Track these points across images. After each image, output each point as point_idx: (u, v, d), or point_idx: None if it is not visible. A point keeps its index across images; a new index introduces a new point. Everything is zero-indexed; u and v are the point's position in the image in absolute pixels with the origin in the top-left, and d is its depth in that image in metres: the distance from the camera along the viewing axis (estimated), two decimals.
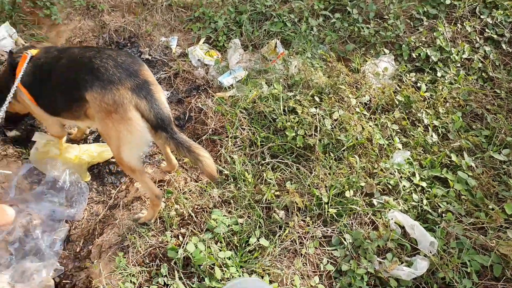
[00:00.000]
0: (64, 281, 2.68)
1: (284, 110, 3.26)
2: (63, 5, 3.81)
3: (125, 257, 2.47)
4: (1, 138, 3.12)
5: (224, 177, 2.98)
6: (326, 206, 2.70)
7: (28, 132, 3.23)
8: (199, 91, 3.72)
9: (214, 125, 3.30)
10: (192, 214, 2.68)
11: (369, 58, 3.85)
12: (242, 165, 3.00)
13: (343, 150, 3.02)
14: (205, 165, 2.26)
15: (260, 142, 3.11)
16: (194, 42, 3.94)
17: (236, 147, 3.15)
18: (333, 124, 3.14)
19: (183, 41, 3.99)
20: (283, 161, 2.98)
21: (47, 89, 2.46)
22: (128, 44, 3.87)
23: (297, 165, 2.97)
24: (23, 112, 2.97)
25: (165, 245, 2.53)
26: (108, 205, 2.98)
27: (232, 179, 2.95)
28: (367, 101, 3.45)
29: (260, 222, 2.64)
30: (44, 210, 2.86)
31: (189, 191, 2.91)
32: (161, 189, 2.90)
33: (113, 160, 3.20)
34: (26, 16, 3.81)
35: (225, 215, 2.69)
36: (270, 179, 2.89)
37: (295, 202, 2.67)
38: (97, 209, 3.01)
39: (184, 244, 2.49)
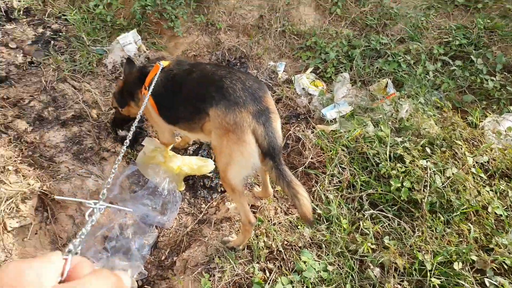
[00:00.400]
0: (145, 286, 2.73)
1: (389, 156, 3.06)
2: (185, 20, 4.04)
3: (210, 280, 2.44)
4: (113, 136, 3.34)
5: (316, 216, 2.85)
6: (429, 274, 2.43)
7: (136, 134, 3.42)
8: (299, 119, 3.66)
9: (312, 158, 3.20)
10: (281, 250, 2.58)
11: (490, 114, 3.49)
12: (338, 207, 2.85)
13: (454, 214, 2.71)
14: (302, 205, 2.18)
15: (360, 186, 2.94)
16: (302, 70, 3.91)
17: (332, 186, 3.02)
18: (444, 182, 2.86)
19: (290, 67, 3.99)
20: (383, 213, 2.77)
21: (174, 99, 2.57)
22: (238, 64, 3.96)
23: (399, 219, 2.74)
24: (133, 116, 3.16)
25: (251, 276, 2.45)
26: (198, 219, 3.01)
27: (325, 221, 2.82)
28: (485, 162, 3.10)
29: (352, 275, 2.45)
30: (139, 212, 2.98)
31: (279, 223, 2.83)
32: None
33: (209, 174, 3.26)
34: (151, 26, 4.11)
35: (315, 259, 2.55)
36: (367, 229, 2.70)
37: (394, 262, 2.44)
38: (186, 221, 3.06)
39: (270, 280, 2.40)
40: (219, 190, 3.21)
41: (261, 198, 3.01)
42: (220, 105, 2.20)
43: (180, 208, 3.13)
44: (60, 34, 4.23)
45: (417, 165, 2.93)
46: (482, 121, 3.44)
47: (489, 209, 2.74)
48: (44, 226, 2.60)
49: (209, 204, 3.13)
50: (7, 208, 2.36)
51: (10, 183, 2.47)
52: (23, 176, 2.59)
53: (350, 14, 4.03)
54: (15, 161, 2.71)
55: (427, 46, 3.90)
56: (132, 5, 4.16)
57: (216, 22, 4.01)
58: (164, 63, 2.66)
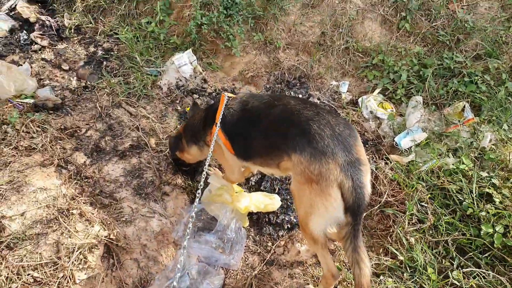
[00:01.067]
0: None
1: (475, 193, 2.75)
2: (243, 38, 3.83)
3: None
4: (173, 168, 3.20)
5: (398, 263, 2.61)
6: None
7: (196, 163, 3.25)
8: (367, 146, 3.40)
9: (387, 195, 2.94)
10: None
11: None
12: (421, 252, 2.59)
13: None
14: (363, 275, 2.00)
15: (444, 228, 2.66)
16: (369, 91, 3.63)
17: (411, 227, 2.76)
18: None
19: (354, 87, 3.72)
20: (473, 261, 2.49)
21: (251, 131, 2.38)
22: (298, 84, 3.73)
23: (492, 271, 2.45)
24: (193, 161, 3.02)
25: None
26: (266, 260, 2.83)
27: (407, 268, 2.57)
28: None
29: None
30: (204, 253, 2.82)
31: None
32: None
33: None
34: (206, 45, 3.92)
35: None
36: (458, 280, 2.43)
37: None
38: (253, 261, 2.88)
39: None
40: (286, 227, 3.00)
41: (334, 240, 2.79)
42: (304, 153, 1.99)
43: (245, 246, 2.95)
44: (112, 53, 4.12)
45: (510, 206, 2.63)
46: None
47: None
48: (110, 273, 2.47)
49: (276, 243, 2.94)
50: (76, 260, 2.25)
51: (77, 232, 2.35)
52: (88, 221, 2.47)
53: (420, 29, 3.69)
54: (78, 203, 2.60)
55: (508, 63, 3.52)
56: (186, 22, 3.99)
57: (275, 40, 3.77)
58: (229, 94, 2.52)
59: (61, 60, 4.05)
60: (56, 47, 4.20)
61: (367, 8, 3.76)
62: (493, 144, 3.06)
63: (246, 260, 2.89)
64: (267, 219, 3.04)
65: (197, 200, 2.09)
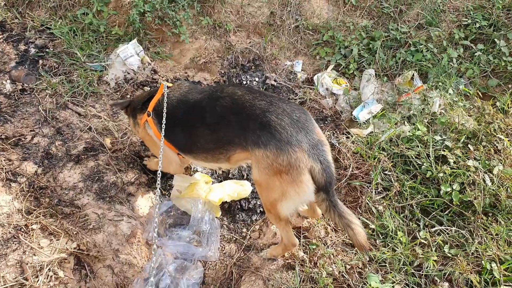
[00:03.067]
0: None
1: (430, 156, 2.93)
2: (190, 24, 3.67)
3: None
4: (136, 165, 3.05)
5: (369, 231, 2.73)
6: (498, 283, 2.37)
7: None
8: (326, 122, 3.47)
9: (352, 168, 3.03)
10: (347, 277, 2.45)
11: None
12: (390, 218, 2.73)
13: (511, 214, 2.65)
14: (356, 234, 2.09)
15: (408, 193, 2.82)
16: (323, 68, 3.67)
17: (379, 196, 2.88)
18: (492, 180, 2.78)
19: (308, 66, 3.74)
20: (436, 219, 2.67)
21: (193, 127, 2.33)
22: (253, 67, 3.68)
23: (455, 227, 2.65)
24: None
25: None
26: (243, 246, 2.82)
27: (380, 235, 2.69)
28: None
29: None
30: (179, 248, 2.75)
31: (333, 244, 2.69)
32: (298, 237, 2.71)
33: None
34: (152, 34, 3.72)
35: (381, 280, 2.43)
36: (425, 239, 2.60)
37: (467, 277, 2.36)
38: (230, 249, 2.85)
39: None
40: (258, 211, 3.01)
41: (307, 217, 2.85)
42: (269, 146, 1.98)
43: (220, 236, 2.92)
44: (47, 50, 3.76)
45: (463, 166, 2.83)
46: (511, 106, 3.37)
47: None
48: (84, 285, 2.33)
49: (251, 228, 2.94)
50: (45, 278, 2.08)
51: (42, 248, 2.17)
52: (52, 235, 2.29)
53: (365, 2, 3.78)
54: (37, 216, 2.39)
55: (446, 30, 3.73)
56: (126, 11, 3.73)
57: (224, 24, 3.66)
58: (169, 84, 2.45)
59: None
60: None
61: None
62: (442, 109, 3.26)
63: (223, 249, 2.86)
64: (239, 206, 3.02)
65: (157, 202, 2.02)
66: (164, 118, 2.20)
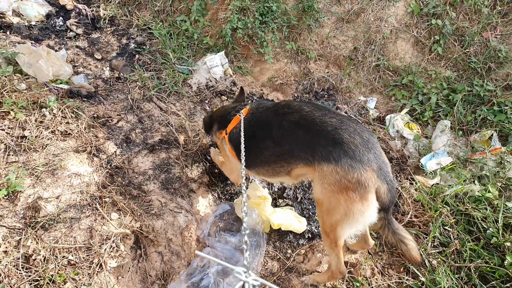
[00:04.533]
0: None
1: (499, 222, 2.78)
2: (275, 46, 3.87)
3: None
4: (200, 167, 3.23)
5: (419, 283, 2.63)
6: None
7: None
8: (391, 164, 3.42)
9: (411, 215, 2.96)
10: None
11: None
12: (443, 275, 2.61)
13: None
14: (410, 249, 2.18)
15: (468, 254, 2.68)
16: (396, 110, 3.66)
17: (434, 250, 2.77)
18: None
19: (381, 105, 3.75)
20: None
21: (258, 143, 2.43)
22: (326, 95, 3.77)
23: None
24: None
25: None
26: (286, 266, 2.84)
27: None
28: None
29: None
30: (225, 252, 2.84)
31: (378, 286, 2.62)
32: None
33: None
34: (239, 49, 3.97)
35: None
36: None
37: None
38: (272, 266, 2.89)
39: None
40: (306, 237, 3.02)
41: (355, 251, 2.81)
42: (341, 162, 2.01)
43: (265, 251, 2.97)
44: (144, 47, 4.16)
45: None
46: None
47: None
48: (136, 264, 2.49)
49: (296, 251, 2.96)
50: (109, 248, 2.27)
51: (112, 220, 2.38)
52: (120, 211, 2.50)
53: (452, 54, 3.74)
54: (110, 192, 2.62)
55: None
56: (219, 24, 4.04)
57: (307, 51, 3.82)
58: (244, 110, 2.59)
59: (95, 49, 4.09)
60: (90, 36, 4.25)
61: (401, 28, 3.81)
62: None
63: (266, 264, 2.91)
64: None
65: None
66: (242, 151, 2.29)
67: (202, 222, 2.86)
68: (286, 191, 3.30)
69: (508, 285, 2.55)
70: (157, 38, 4.17)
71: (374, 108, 3.76)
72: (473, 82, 3.64)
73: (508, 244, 2.64)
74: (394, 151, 3.44)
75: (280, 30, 3.85)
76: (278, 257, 2.95)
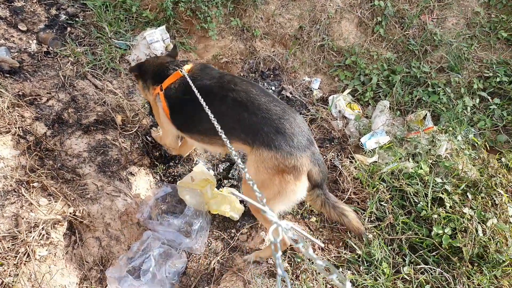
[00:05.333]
0: None
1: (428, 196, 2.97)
2: (220, 22, 3.74)
3: None
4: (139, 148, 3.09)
5: (356, 256, 2.76)
6: None
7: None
8: (333, 143, 3.52)
9: (350, 192, 3.07)
10: None
11: None
12: (378, 248, 2.76)
13: (496, 269, 2.67)
14: (352, 220, 2.38)
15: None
16: (339, 91, 3.73)
17: (371, 225, 2.92)
18: (484, 231, 2.81)
19: (325, 85, 3.80)
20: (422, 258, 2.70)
21: (201, 112, 2.35)
22: (272, 75, 3.74)
23: (439, 269, 2.68)
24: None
25: None
26: (230, 246, 2.84)
27: (364, 262, 2.73)
28: None
29: None
30: (167, 235, 2.78)
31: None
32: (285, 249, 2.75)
33: (239, 199, 3.08)
34: (181, 24, 3.79)
35: None
36: (409, 276, 2.63)
37: None
38: (216, 246, 2.88)
39: None
40: (250, 215, 3.04)
41: None
42: (281, 150, 2.18)
43: (209, 231, 2.95)
44: (77, 20, 3.83)
45: (459, 212, 2.87)
46: None
47: None
48: (71, 251, 2.36)
49: (240, 230, 2.97)
50: (38, 235, 2.11)
51: (40, 206, 2.21)
52: (51, 196, 2.33)
53: (393, 35, 3.85)
54: (39, 176, 2.43)
55: (467, 78, 3.80)
56: None
57: (253, 28, 3.73)
58: (186, 68, 2.54)
59: (18, 20, 3.68)
60: (13, 4, 3.81)
61: (345, 8, 3.84)
62: (448, 153, 3.30)
63: (209, 245, 2.89)
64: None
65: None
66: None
67: (143, 205, 2.76)
68: (231, 171, 3.28)
69: (434, 253, 2.76)
70: (92, 9, 3.85)
71: (318, 88, 3.80)
72: (411, 64, 3.79)
73: (435, 216, 2.83)
74: (335, 131, 3.53)
75: (225, 5, 3.72)
76: (222, 237, 2.94)
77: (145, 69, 2.80)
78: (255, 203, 1.03)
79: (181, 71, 2.51)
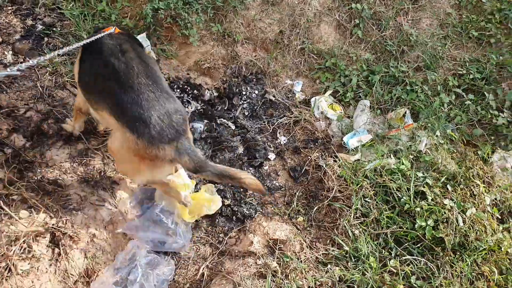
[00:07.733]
0: None
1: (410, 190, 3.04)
2: (201, 28, 3.76)
3: None
4: None
5: (343, 252, 2.79)
6: None
7: None
8: (316, 143, 3.56)
9: (335, 191, 3.11)
10: None
11: (498, 150, 3.59)
12: (365, 243, 2.80)
13: (475, 256, 2.75)
14: (251, 183, 2.44)
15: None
16: (321, 92, 3.79)
17: (357, 221, 2.96)
18: (464, 221, 2.90)
19: (307, 87, 3.86)
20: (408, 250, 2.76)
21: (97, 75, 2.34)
22: (254, 79, 3.77)
23: (424, 259, 2.74)
24: None
25: None
26: (219, 251, 2.83)
27: (352, 258, 2.76)
28: (496, 200, 3.18)
29: None
30: (149, 235, 2.74)
31: (306, 260, 2.74)
32: (273, 249, 2.76)
33: (227, 202, 3.09)
34: (162, 31, 3.79)
35: None
36: (395, 268, 2.68)
37: None
38: (205, 252, 2.87)
39: None
40: (238, 219, 3.04)
41: None
42: (143, 138, 2.11)
43: (196, 237, 2.93)
44: (55, 29, 3.78)
45: (440, 203, 2.95)
46: (491, 157, 3.53)
47: (502, 248, 2.82)
48: (55, 264, 2.30)
49: (229, 235, 2.95)
50: (19, 249, 2.06)
51: (21, 219, 2.15)
52: (32, 208, 2.27)
53: (371, 37, 3.95)
54: (19, 188, 2.37)
55: (442, 76, 3.92)
56: (139, 5, 3.81)
57: (234, 34, 3.76)
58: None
59: None
60: None
61: (324, 12, 3.92)
62: (428, 148, 3.40)
63: (198, 250, 2.87)
64: (219, 211, 3.05)
65: None
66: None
67: (127, 213, 2.72)
68: None
69: (418, 245, 2.83)
70: (69, 19, 3.81)
71: (301, 91, 3.86)
72: (389, 64, 3.89)
73: (418, 209, 2.91)
74: (319, 132, 3.58)
75: (205, 11, 3.74)
76: (210, 242, 2.93)
77: None
78: None
79: (111, 28, 2.53)
